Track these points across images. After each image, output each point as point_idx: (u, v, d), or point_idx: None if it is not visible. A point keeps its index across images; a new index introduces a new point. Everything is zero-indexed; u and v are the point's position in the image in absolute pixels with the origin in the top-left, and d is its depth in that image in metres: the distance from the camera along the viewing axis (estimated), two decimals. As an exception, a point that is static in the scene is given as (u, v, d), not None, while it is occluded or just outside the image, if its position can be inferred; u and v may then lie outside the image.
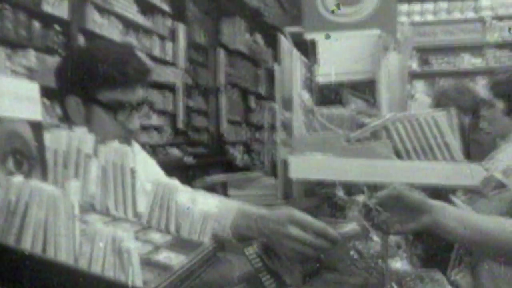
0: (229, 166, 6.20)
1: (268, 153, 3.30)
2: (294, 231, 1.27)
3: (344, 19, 2.04)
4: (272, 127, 2.32)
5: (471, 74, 6.90)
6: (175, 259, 1.03)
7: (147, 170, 1.72)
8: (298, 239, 1.27)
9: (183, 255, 1.06)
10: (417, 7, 7.47)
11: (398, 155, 1.48)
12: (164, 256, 1.04)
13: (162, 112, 6.04)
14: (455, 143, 1.53)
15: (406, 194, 1.23)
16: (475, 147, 3.07)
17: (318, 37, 2.04)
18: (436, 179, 1.47)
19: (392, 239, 2.68)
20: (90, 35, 4.72)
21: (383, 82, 1.73)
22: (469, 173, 1.41)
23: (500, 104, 2.70)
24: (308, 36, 2.04)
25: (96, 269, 0.76)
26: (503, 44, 7.20)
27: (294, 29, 2.08)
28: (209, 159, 6.32)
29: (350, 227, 1.46)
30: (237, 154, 6.71)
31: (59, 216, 0.77)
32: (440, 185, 1.52)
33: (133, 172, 1.05)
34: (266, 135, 3.29)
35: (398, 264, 2.42)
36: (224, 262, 1.71)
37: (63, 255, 0.76)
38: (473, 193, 2.71)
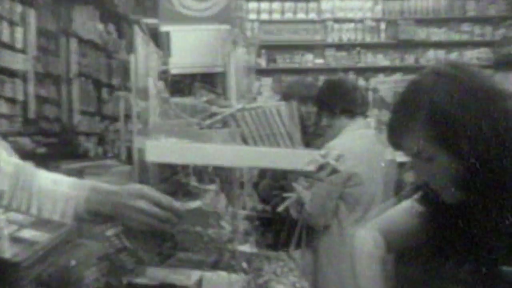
0: (82, 157, 6.08)
1: (123, 143, 3.33)
2: (143, 204, 1.34)
3: (197, 13, 2.14)
4: (127, 118, 2.37)
5: (314, 72, 7.33)
6: (40, 237, 1.09)
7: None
8: (146, 212, 1.34)
9: (46, 233, 1.13)
10: (265, 5, 7.80)
11: (245, 142, 1.64)
12: (29, 234, 1.09)
13: (12, 101, 5.79)
14: (296, 133, 1.72)
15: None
16: (317, 139, 3.37)
17: (172, 29, 2.13)
18: (278, 164, 1.66)
19: (241, 227, 2.90)
20: None
21: (232, 75, 1.88)
22: (307, 159, 1.60)
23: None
24: (163, 28, 2.12)
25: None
26: (341, 45, 7.79)
27: (149, 20, 2.15)
28: (61, 149, 6.15)
29: (195, 204, 1.58)
30: (91, 145, 6.59)
31: None
32: (282, 169, 1.71)
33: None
34: (121, 126, 3.31)
35: (248, 248, 2.63)
36: (82, 246, 1.77)
37: None
38: (311, 179, 2.99)
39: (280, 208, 2.98)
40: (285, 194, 2.99)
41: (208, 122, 1.67)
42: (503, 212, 1.19)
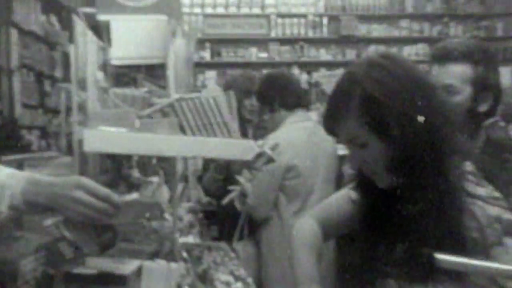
0: (25, 151, 5.92)
1: (65, 135, 3.29)
2: (80, 194, 1.33)
3: (135, 3, 2.14)
4: (69, 110, 2.36)
5: (258, 66, 7.36)
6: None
7: None
8: (82, 202, 1.34)
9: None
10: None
11: (183, 131, 1.67)
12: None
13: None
14: (233, 123, 1.76)
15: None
16: (261, 131, 3.42)
17: (110, 18, 2.12)
18: (215, 153, 1.68)
19: (185, 219, 2.93)
20: None
21: (171, 66, 1.90)
22: (243, 149, 1.64)
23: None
24: (101, 17, 2.11)
25: None
26: (284, 40, 7.88)
27: (88, 10, 2.13)
28: (2, 143, 5.97)
29: (132, 196, 1.59)
30: (33, 139, 6.43)
31: None
32: (219, 158, 1.74)
33: None
34: (63, 118, 3.26)
35: (191, 238, 2.66)
36: (22, 238, 1.76)
37: None
38: (253, 171, 3.05)
39: (225, 201, 3.03)
40: (229, 187, 3.04)
41: (146, 111, 1.69)
42: (430, 195, 1.25)
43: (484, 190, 1.29)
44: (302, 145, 3.06)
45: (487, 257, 1.21)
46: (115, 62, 2.24)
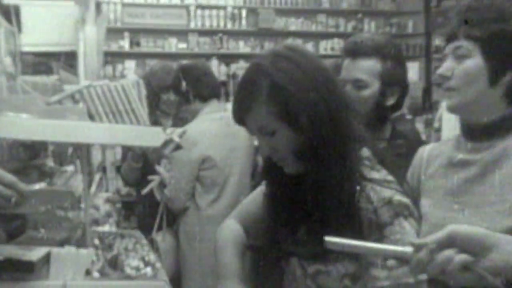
0: None
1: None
2: None
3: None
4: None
5: (178, 57, 7.30)
6: None
7: None
8: None
9: None
10: (129, -12, 7.67)
11: (92, 118, 1.68)
12: None
13: None
14: (142, 110, 1.78)
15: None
16: (179, 123, 3.44)
17: (21, 4, 2.08)
18: (122, 140, 1.71)
19: (103, 209, 2.93)
20: None
21: (81, 53, 1.90)
22: (151, 136, 1.67)
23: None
24: (9, 1, 2.07)
25: None
26: (204, 31, 7.89)
27: (-6, -6, 2.09)
28: None
29: (40, 185, 1.59)
30: None
31: None
32: (127, 145, 1.76)
33: None
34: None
35: (107, 227, 2.67)
36: None
37: None
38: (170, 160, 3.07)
39: (144, 191, 3.04)
40: (149, 177, 3.05)
41: (55, 98, 1.69)
42: (331, 180, 1.32)
43: (378, 174, 1.36)
44: (217, 135, 3.11)
45: (381, 236, 1.29)
46: (26, 48, 2.21)
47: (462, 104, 1.43)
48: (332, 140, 1.32)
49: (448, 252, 0.96)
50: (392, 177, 1.38)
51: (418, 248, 0.98)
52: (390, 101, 1.96)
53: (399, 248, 1.02)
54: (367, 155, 1.39)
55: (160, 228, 3.11)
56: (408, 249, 0.99)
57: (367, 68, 1.90)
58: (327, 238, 1.02)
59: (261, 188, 1.60)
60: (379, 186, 1.33)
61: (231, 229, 1.62)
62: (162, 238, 3.11)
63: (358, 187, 1.33)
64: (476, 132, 1.45)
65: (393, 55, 1.94)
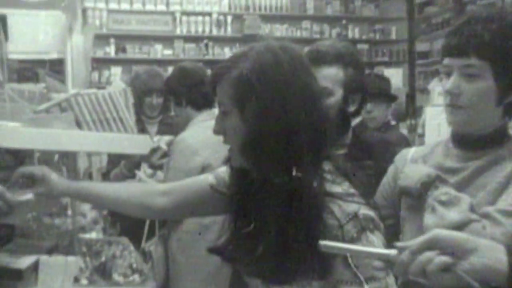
0: None
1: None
2: None
3: (33, -2, 2.12)
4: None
5: (163, 63, 7.34)
6: None
7: None
8: None
9: None
10: (114, -5, 7.69)
11: (80, 126, 1.69)
12: None
13: None
14: (129, 119, 1.80)
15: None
16: (164, 128, 3.44)
17: (7, 12, 2.08)
18: (111, 148, 1.73)
19: (90, 216, 2.92)
20: None
21: (68, 61, 1.91)
22: (139, 143, 1.69)
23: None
24: (-3, 10, 2.07)
25: None
26: (189, 37, 7.91)
27: (-17, 4, 2.09)
28: None
29: (26, 196, 1.58)
30: None
31: None
32: (116, 153, 1.77)
33: None
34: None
35: (94, 234, 2.66)
36: None
37: None
38: (155, 168, 3.07)
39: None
40: (128, 181, 3.03)
41: (43, 106, 1.70)
42: (283, 190, 1.27)
43: (340, 187, 1.31)
44: (215, 143, 3.06)
45: None
46: (13, 56, 2.21)
47: (467, 121, 1.45)
48: (281, 144, 1.27)
49: (429, 254, 0.99)
50: (354, 189, 1.32)
51: (401, 250, 1.01)
52: (352, 108, 1.97)
53: (384, 251, 1.06)
54: (328, 168, 1.34)
55: (150, 236, 3.09)
56: (393, 251, 1.03)
57: (331, 76, 1.89)
58: (322, 242, 1.05)
59: (207, 178, 1.63)
60: (342, 201, 1.28)
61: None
62: (155, 247, 3.08)
63: (319, 203, 1.27)
64: (469, 142, 1.47)
65: (353, 62, 1.95)
